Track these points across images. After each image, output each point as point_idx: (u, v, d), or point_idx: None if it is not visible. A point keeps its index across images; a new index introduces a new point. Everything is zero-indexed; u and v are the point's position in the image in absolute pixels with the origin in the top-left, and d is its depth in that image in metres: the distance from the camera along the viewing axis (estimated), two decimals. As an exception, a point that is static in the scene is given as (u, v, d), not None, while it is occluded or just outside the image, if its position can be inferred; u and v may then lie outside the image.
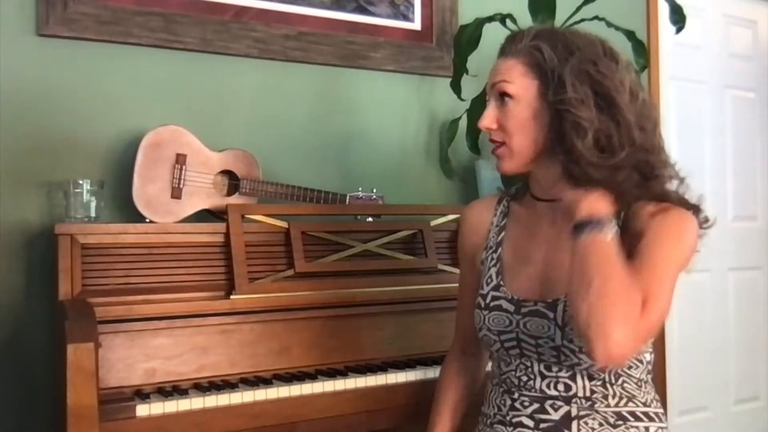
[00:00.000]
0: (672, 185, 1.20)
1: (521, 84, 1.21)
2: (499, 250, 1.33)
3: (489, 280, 1.31)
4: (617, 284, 1.04)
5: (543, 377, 1.23)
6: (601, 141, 1.13)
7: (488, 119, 1.25)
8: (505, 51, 1.26)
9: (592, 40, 1.20)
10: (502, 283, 1.28)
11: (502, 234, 1.34)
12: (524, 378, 1.25)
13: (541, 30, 1.24)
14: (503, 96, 1.23)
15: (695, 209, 1.20)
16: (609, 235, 1.08)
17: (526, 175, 1.32)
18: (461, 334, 1.47)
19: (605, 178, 1.13)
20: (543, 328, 1.21)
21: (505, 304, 1.26)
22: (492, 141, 1.27)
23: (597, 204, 1.11)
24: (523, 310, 1.24)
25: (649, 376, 1.26)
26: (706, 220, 1.21)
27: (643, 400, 1.23)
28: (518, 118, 1.22)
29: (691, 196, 1.21)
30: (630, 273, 1.07)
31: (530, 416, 1.23)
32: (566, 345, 1.19)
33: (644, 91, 1.20)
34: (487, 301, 1.29)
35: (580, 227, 1.10)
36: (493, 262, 1.32)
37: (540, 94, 1.20)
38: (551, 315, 1.20)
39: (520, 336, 1.24)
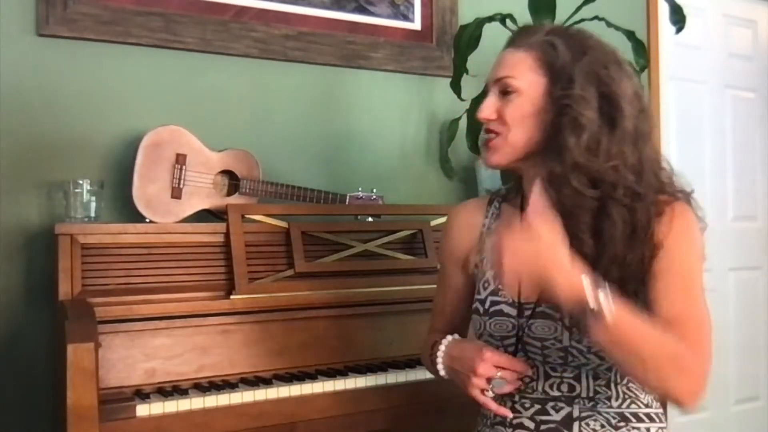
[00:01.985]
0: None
1: (528, 79, 1.18)
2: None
3: (486, 284, 1.28)
4: (656, 353, 1.04)
5: (547, 378, 1.22)
6: (592, 146, 1.12)
7: (488, 110, 1.21)
8: (515, 42, 1.23)
9: (604, 46, 1.19)
10: (500, 286, 1.25)
11: None
12: (526, 380, 1.24)
13: (557, 27, 1.24)
14: (507, 90, 1.20)
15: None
16: (610, 310, 1.00)
17: (518, 175, 1.30)
18: (435, 336, 1.37)
19: (577, 190, 1.11)
20: (550, 329, 1.19)
21: (506, 309, 1.24)
22: (487, 131, 1.24)
23: (570, 283, 1.01)
24: (527, 312, 1.21)
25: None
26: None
27: (645, 401, 1.23)
28: (520, 111, 1.19)
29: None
30: (659, 325, 1.06)
31: (531, 418, 1.22)
32: (574, 345, 1.17)
33: (643, 103, 1.18)
34: (486, 306, 1.26)
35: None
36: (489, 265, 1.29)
37: (546, 92, 1.17)
38: (557, 315, 1.17)
39: (525, 339, 1.22)
